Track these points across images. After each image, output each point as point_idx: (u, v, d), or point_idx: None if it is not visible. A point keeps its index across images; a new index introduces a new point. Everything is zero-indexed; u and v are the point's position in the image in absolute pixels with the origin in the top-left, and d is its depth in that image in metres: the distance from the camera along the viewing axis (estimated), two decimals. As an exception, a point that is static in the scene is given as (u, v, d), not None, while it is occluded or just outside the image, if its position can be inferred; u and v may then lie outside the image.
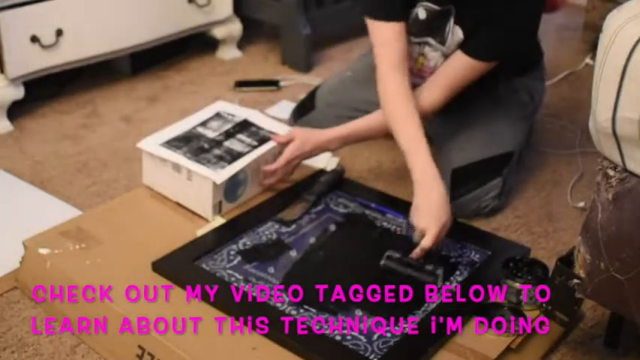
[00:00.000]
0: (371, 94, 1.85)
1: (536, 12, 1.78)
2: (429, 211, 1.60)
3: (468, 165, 1.89)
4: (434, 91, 1.81)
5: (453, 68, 1.79)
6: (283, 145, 1.83)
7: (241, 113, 1.95)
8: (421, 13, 1.83)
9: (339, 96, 2.15)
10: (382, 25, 1.79)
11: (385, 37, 1.79)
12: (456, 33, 1.80)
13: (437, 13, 1.81)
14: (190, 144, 1.80)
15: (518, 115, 1.98)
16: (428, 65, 1.91)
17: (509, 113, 1.97)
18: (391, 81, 1.76)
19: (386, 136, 1.86)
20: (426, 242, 1.56)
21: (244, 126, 1.90)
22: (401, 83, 1.76)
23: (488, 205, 1.89)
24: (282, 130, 1.88)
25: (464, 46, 1.78)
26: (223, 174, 1.71)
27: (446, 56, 1.85)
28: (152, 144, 1.80)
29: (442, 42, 1.84)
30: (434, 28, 1.84)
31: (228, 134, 1.85)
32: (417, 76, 1.93)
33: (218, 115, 1.92)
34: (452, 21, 1.80)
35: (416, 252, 1.57)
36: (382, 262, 1.61)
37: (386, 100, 1.77)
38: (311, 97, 2.24)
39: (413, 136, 1.71)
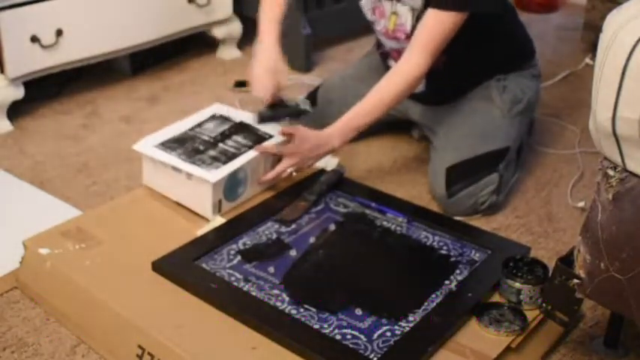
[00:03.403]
0: (372, 88, 1.85)
1: None
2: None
3: (463, 162, 1.90)
4: (415, 54, 1.80)
5: (426, 27, 1.79)
6: (288, 137, 1.84)
7: (237, 116, 1.95)
8: None
9: (340, 94, 2.15)
10: None
11: None
12: None
13: None
14: (185, 145, 1.80)
15: (510, 111, 1.98)
16: (400, 23, 1.91)
17: (502, 110, 1.98)
18: None
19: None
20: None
21: (240, 128, 1.90)
22: None
23: (485, 201, 1.89)
24: (276, 132, 1.89)
25: (430, 1, 1.79)
26: (217, 173, 1.71)
27: (413, 11, 1.86)
28: (147, 146, 1.80)
29: None
30: None
31: (224, 136, 1.85)
32: (392, 38, 1.95)
33: (214, 118, 1.93)
34: None
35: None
36: (256, 116, 1.85)
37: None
38: (312, 95, 2.24)
39: (269, 18, 1.94)
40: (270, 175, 1.81)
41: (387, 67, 2.05)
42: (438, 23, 1.77)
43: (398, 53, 1.92)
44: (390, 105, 1.83)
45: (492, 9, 1.89)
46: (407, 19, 1.89)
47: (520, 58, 2.06)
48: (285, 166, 1.81)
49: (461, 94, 2.02)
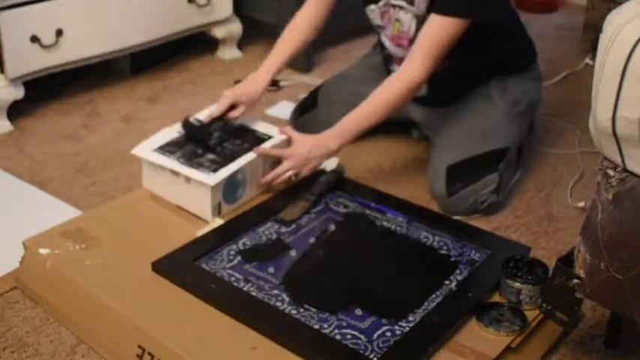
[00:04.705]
0: (373, 92, 1.85)
1: None
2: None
3: (463, 161, 1.90)
4: (416, 60, 1.81)
5: (429, 32, 1.80)
6: (286, 136, 1.86)
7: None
8: None
9: (340, 94, 2.15)
10: None
11: None
12: None
13: None
14: (184, 148, 1.80)
15: (511, 112, 1.99)
16: (403, 30, 1.92)
17: (502, 110, 1.98)
18: (303, 9, 2.04)
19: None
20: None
21: (238, 129, 1.89)
22: (305, 13, 2.03)
23: (485, 201, 1.89)
24: (276, 132, 1.89)
25: (433, 8, 1.79)
26: (216, 177, 1.71)
27: (417, 17, 1.87)
28: (146, 150, 1.79)
29: (411, 2, 1.86)
30: None
31: (223, 138, 1.85)
32: (396, 44, 1.96)
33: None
34: None
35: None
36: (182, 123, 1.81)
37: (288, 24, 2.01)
38: (312, 95, 2.24)
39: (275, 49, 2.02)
40: (269, 177, 1.81)
41: (389, 71, 2.04)
42: (441, 29, 1.78)
43: (401, 60, 1.92)
44: (390, 109, 1.83)
45: (495, 16, 1.89)
46: (410, 25, 1.89)
47: (521, 61, 2.06)
48: (284, 169, 1.81)
49: (463, 96, 2.02)
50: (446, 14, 1.76)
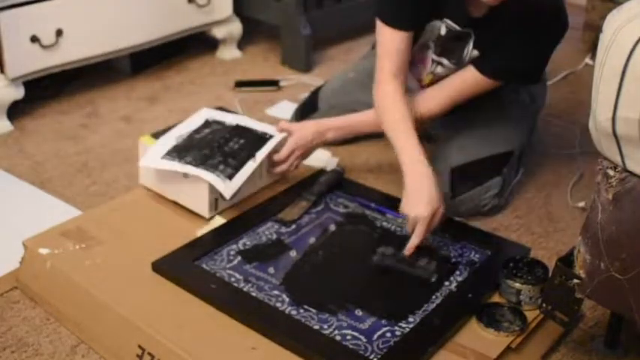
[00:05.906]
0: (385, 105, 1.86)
1: (555, 41, 1.83)
2: (420, 198, 1.61)
3: (467, 164, 1.90)
4: (435, 98, 1.83)
5: (461, 81, 1.81)
6: (288, 133, 1.87)
7: (230, 118, 1.92)
8: (443, 29, 1.81)
9: (341, 98, 2.15)
10: (390, 31, 1.78)
11: (390, 44, 1.79)
12: (473, 57, 1.81)
13: (456, 34, 1.80)
14: (192, 152, 1.77)
15: (518, 115, 1.99)
16: (436, 80, 1.90)
17: (510, 113, 1.98)
18: (387, 84, 1.79)
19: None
20: (418, 233, 1.59)
21: (238, 130, 1.89)
22: (397, 89, 1.78)
23: (487, 204, 1.89)
24: (274, 131, 1.89)
25: (477, 62, 1.79)
26: (232, 185, 1.71)
27: (456, 69, 1.85)
28: (154, 159, 1.76)
29: (457, 63, 1.84)
30: (451, 49, 1.84)
31: (226, 139, 1.85)
32: (421, 86, 1.95)
33: (208, 122, 1.91)
34: (471, 45, 1.80)
35: (408, 247, 1.59)
36: (374, 258, 1.61)
37: (381, 103, 1.80)
38: (313, 98, 2.24)
39: (404, 130, 1.73)
40: (284, 167, 1.84)
41: None
42: (474, 84, 1.80)
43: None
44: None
45: (535, 74, 1.90)
46: (446, 75, 1.88)
47: None
48: (292, 162, 1.85)
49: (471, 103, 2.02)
50: (484, 74, 1.78)
